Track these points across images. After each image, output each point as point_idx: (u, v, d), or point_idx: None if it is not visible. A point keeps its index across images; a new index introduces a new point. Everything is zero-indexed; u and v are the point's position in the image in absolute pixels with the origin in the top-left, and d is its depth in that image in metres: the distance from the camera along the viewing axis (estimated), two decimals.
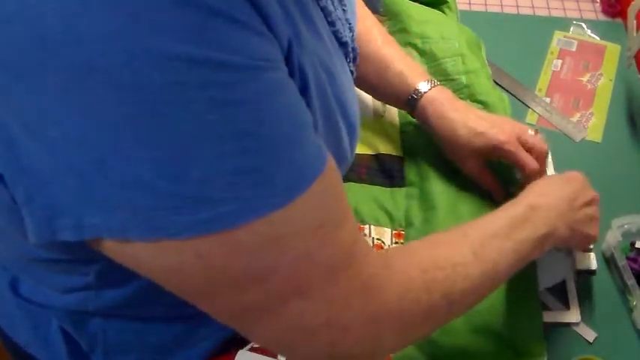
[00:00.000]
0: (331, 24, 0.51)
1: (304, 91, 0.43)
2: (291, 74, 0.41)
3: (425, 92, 0.78)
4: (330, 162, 0.43)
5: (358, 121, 0.55)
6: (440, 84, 0.80)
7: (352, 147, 0.54)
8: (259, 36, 0.37)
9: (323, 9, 0.50)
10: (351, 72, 0.58)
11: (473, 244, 0.53)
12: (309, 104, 0.44)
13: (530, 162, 0.74)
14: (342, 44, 0.53)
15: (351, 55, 0.58)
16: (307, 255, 0.41)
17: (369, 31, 0.80)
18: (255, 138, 0.37)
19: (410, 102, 0.78)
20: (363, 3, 0.82)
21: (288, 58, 0.41)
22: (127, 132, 0.34)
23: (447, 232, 0.56)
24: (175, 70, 0.33)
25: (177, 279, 0.41)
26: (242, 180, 0.36)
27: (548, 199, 0.62)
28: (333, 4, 0.53)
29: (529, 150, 0.75)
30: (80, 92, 0.33)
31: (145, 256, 0.39)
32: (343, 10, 0.57)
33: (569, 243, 0.66)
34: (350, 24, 0.58)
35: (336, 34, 0.52)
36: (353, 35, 0.59)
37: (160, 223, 0.36)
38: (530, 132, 0.77)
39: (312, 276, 0.42)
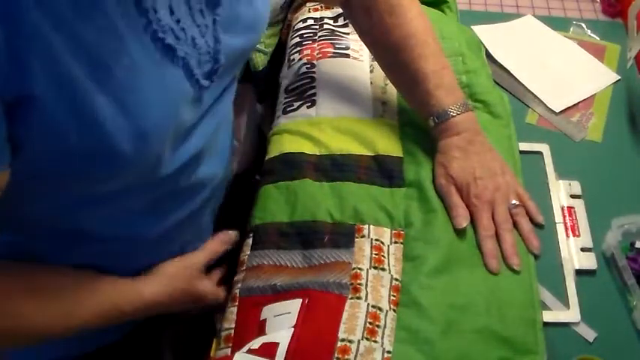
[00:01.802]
0: (147, 19, 0.50)
1: (23, 74, 0.42)
2: None
3: (450, 118, 0.77)
4: None
5: (161, 129, 0.53)
6: (470, 110, 0.79)
7: (142, 152, 0.52)
8: None
9: (139, 4, 0.49)
10: (199, 84, 0.57)
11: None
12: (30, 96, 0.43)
13: (485, 223, 0.73)
14: (159, 39, 0.51)
15: (205, 67, 0.58)
16: None
17: (406, 40, 0.79)
18: None
19: (432, 122, 0.79)
20: (407, 11, 0.80)
21: None
22: None
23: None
24: None
25: None
26: None
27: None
28: (179, 5, 0.53)
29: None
30: None
31: None
32: (214, 20, 0.58)
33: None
34: (216, 34, 0.58)
35: (156, 34, 0.51)
36: (217, 45, 0.58)
37: None
38: (514, 202, 0.75)
39: None
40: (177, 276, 0.71)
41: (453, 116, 0.77)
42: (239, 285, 0.72)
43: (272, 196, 0.78)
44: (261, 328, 0.66)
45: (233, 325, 0.69)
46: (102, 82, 0.46)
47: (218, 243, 0.77)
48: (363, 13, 0.82)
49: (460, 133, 0.78)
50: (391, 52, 0.81)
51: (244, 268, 0.73)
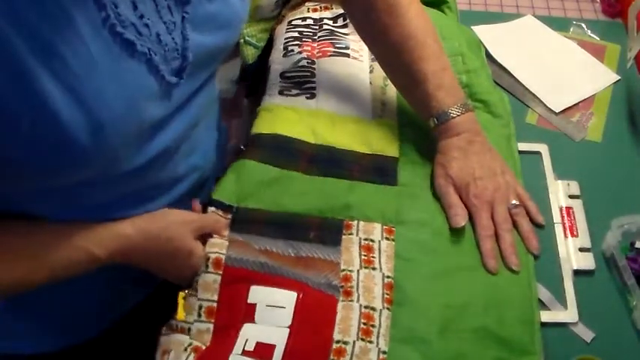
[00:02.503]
0: (105, 13, 0.49)
1: None
2: None
3: (449, 119, 0.77)
4: None
5: (120, 123, 0.52)
6: (471, 111, 0.79)
7: (101, 145, 0.52)
8: None
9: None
10: (166, 80, 0.57)
11: None
12: None
13: (485, 222, 0.73)
14: (117, 34, 0.51)
15: (172, 64, 0.57)
16: None
17: (405, 41, 0.79)
18: None
19: (433, 123, 0.79)
20: (406, 11, 0.79)
21: None
22: None
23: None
24: None
25: None
26: None
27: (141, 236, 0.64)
28: (143, 1, 0.53)
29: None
30: None
31: None
32: (183, 17, 0.58)
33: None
34: (184, 32, 0.58)
35: (114, 28, 0.50)
36: (185, 43, 0.58)
37: None
38: (514, 202, 0.75)
39: None
40: (174, 223, 0.67)
41: (453, 117, 0.77)
42: (223, 251, 0.68)
43: (260, 185, 0.76)
44: (248, 313, 0.64)
45: (216, 298, 0.66)
46: (55, 70, 0.46)
47: (222, 225, 0.72)
48: (362, 12, 0.82)
49: (460, 133, 0.78)
50: (391, 53, 0.81)
51: (226, 239, 0.71)
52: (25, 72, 0.45)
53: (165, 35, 0.56)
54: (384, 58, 0.84)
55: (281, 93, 0.88)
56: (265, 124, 0.83)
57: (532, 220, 0.76)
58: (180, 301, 0.66)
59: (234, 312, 0.65)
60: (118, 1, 0.51)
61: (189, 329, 0.65)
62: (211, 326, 0.64)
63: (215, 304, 0.65)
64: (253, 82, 1.05)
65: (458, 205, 0.74)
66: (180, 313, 0.66)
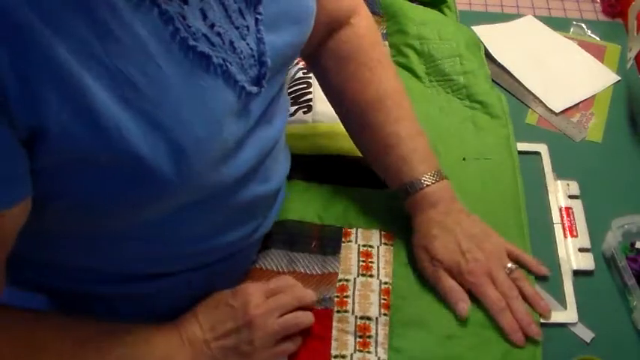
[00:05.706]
0: (173, 27, 0.45)
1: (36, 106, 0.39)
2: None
3: (424, 187, 0.71)
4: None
5: (203, 146, 0.48)
6: (445, 179, 0.73)
7: (180, 169, 0.47)
8: None
9: (164, 12, 0.45)
10: (246, 91, 0.52)
11: None
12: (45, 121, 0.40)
13: (493, 297, 0.67)
14: (190, 48, 0.47)
15: (251, 72, 0.53)
16: None
17: (382, 99, 0.73)
18: None
19: (404, 192, 0.72)
20: (386, 69, 0.75)
21: None
22: None
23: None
24: None
25: None
26: None
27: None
28: (212, 7, 0.49)
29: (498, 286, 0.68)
30: None
31: None
32: (256, 19, 0.53)
33: None
34: (260, 35, 0.53)
35: (185, 41, 0.46)
36: (261, 47, 0.54)
37: None
38: (510, 265, 0.70)
39: None
40: None
41: (427, 185, 0.71)
42: None
43: None
44: None
45: None
46: (125, 98, 0.43)
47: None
48: (339, 62, 0.75)
49: (436, 204, 0.71)
50: (364, 111, 0.74)
51: None
52: (94, 104, 0.41)
53: (238, 41, 0.51)
54: (354, 116, 0.76)
55: None
56: None
57: (535, 273, 0.72)
58: None
59: None
60: (186, 12, 0.46)
61: None
62: None
63: None
64: None
65: (455, 289, 0.68)
66: None
